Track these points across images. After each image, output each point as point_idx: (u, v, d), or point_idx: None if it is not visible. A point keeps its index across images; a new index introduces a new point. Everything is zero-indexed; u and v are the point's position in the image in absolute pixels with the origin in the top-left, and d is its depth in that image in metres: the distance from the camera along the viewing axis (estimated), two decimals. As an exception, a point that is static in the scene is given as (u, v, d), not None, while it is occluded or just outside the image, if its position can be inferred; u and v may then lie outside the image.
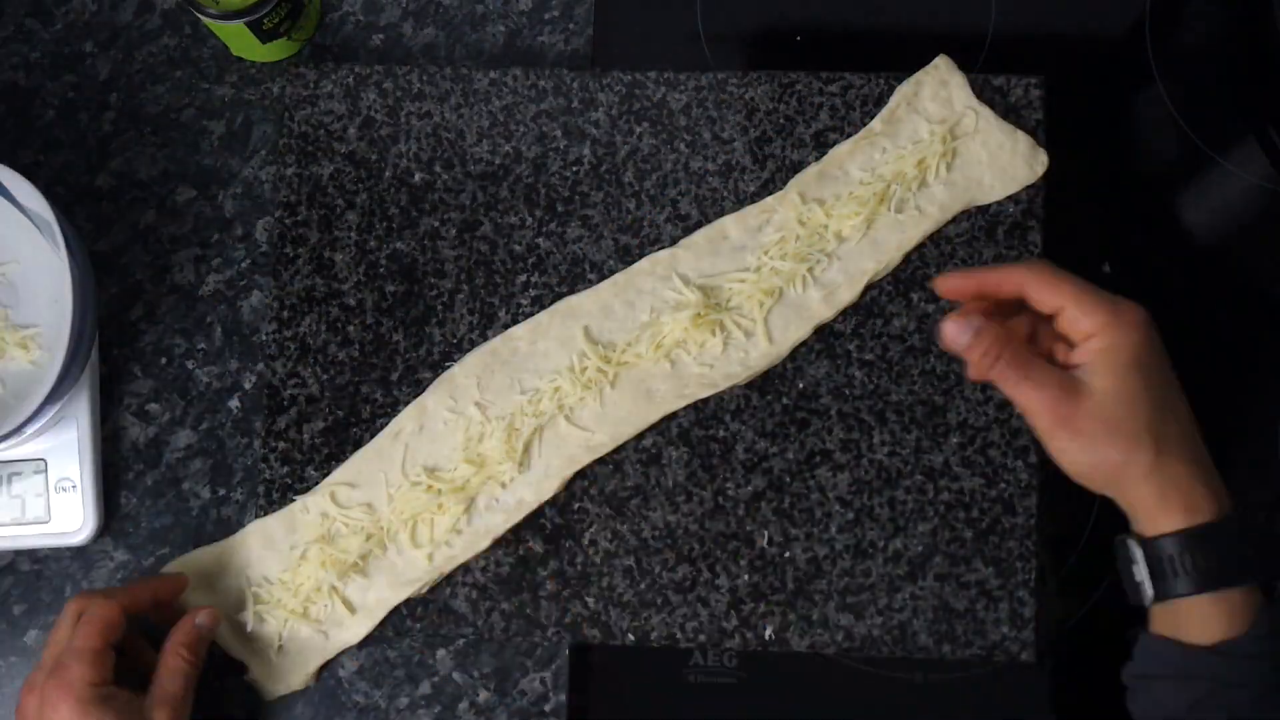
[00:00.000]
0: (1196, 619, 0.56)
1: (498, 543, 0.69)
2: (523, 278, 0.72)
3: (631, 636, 0.68)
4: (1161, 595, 0.57)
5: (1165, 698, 0.57)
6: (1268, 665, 0.55)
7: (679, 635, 0.68)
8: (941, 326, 0.58)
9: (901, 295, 0.70)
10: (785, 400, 0.70)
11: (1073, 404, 0.56)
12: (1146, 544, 0.57)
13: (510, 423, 0.69)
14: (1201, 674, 0.56)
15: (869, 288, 0.70)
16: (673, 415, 0.69)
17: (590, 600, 0.68)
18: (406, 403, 0.70)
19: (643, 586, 0.68)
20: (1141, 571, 0.57)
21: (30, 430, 0.67)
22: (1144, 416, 0.56)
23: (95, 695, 0.61)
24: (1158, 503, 0.56)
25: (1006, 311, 0.60)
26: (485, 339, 0.71)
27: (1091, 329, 0.57)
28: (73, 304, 0.65)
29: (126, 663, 0.65)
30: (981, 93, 0.71)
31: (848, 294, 0.70)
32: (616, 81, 0.73)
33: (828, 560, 0.68)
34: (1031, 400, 0.57)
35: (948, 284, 0.60)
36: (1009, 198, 0.70)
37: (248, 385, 0.73)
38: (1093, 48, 0.79)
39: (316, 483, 0.70)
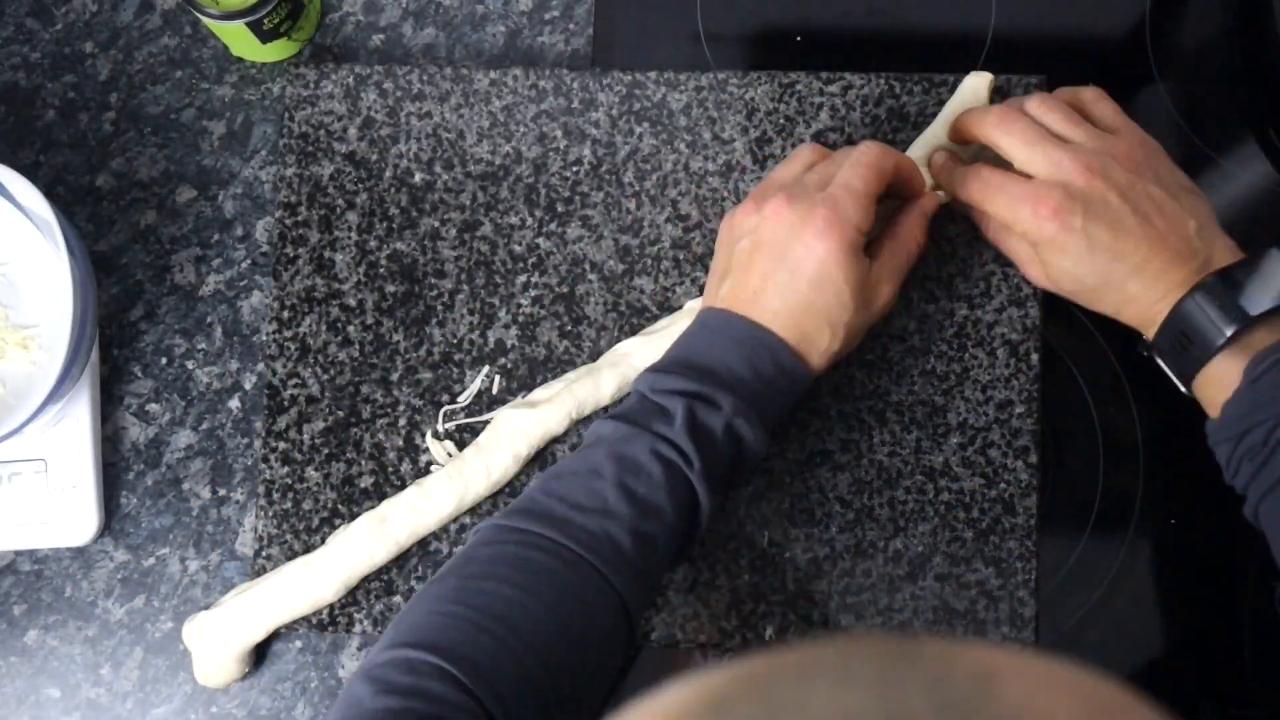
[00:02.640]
0: (1214, 387, 0.60)
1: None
2: (523, 278, 0.72)
3: (631, 636, 0.68)
4: (1201, 352, 0.60)
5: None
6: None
7: (679, 635, 0.68)
8: (933, 158, 0.67)
9: (901, 295, 0.70)
10: (785, 400, 0.70)
11: None
12: (1166, 323, 0.60)
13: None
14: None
15: (869, 288, 0.70)
16: (673, 415, 0.69)
17: (590, 600, 0.68)
18: (406, 403, 0.70)
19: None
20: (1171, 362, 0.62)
21: (30, 430, 0.67)
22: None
23: (858, 243, 0.60)
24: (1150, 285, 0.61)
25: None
26: (485, 339, 0.71)
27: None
28: (73, 304, 0.65)
29: None
30: (981, 93, 0.71)
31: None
32: (616, 81, 0.73)
33: (828, 560, 0.68)
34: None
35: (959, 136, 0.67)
36: (1009, 198, 0.70)
37: (248, 385, 0.73)
38: (1093, 48, 0.79)
39: (316, 483, 0.70)
